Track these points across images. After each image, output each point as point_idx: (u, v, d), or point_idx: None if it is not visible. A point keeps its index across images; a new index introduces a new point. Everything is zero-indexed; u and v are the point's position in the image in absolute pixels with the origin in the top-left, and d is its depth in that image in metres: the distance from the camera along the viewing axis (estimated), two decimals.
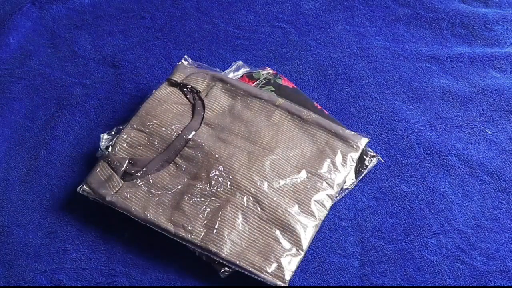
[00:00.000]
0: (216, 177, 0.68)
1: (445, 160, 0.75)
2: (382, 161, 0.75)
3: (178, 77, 0.77)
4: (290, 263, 0.63)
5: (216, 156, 0.69)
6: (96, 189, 0.68)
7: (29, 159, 0.75)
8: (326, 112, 0.77)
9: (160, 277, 0.66)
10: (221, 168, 0.68)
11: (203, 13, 0.92)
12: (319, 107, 0.77)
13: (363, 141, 0.73)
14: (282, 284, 0.62)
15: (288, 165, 0.70)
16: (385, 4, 0.93)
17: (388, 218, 0.70)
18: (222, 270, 0.63)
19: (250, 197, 0.67)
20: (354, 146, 0.72)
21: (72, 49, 0.87)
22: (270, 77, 0.80)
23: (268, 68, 0.82)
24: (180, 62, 0.80)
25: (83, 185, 0.68)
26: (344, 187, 0.71)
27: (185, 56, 0.81)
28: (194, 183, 0.68)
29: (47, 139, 0.77)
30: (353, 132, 0.73)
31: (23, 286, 0.65)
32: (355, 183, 0.72)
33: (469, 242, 0.68)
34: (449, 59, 0.86)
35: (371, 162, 0.73)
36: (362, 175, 0.72)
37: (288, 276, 0.62)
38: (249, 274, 0.62)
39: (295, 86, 0.80)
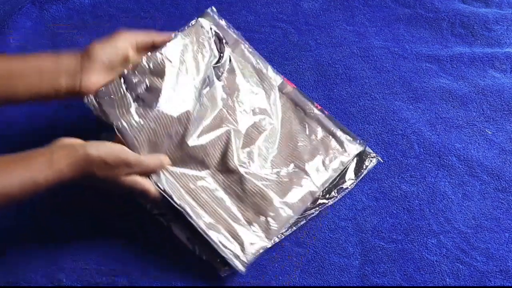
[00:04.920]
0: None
1: (445, 160, 0.75)
2: (382, 161, 0.75)
3: (207, 22, 0.73)
4: (253, 248, 0.63)
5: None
6: (103, 104, 0.63)
7: None
8: (326, 112, 0.77)
9: (160, 277, 0.66)
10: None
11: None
12: (319, 107, 0.78)
13: (357, 148, 0.73)
14: (240, 266, 0.62)
15: (278, 155, 0.71)
16: (385, 4, 0.93)
17: (388, 218, 0.70)
18: (222, 269, 0.63)
19: (235, 176, 0.67)
20: (348, 151, 0.72)
21: (72, 49, 0.87)
22: None
23: None
24: (208, 11, 0.76)
25: (90, 96, 0.62)
26: (344, 187, 0.71)
27: (213, 8, 0.77)
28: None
29: (47, 139, 0.77)
30: (350, 138, 0.74)
31: (23, 286, 0.65)
32: (355, 183, 0.72)
33: (469, 242, 0.68)
34: (449, 59, 0.86)
35: (371, 162, 0.73)
36: (362, 175, 0.72)
37: (247, 259, 0.63)
38: (214, 245, 0.62)
39: (295, 86, 0.80)
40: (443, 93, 0.82)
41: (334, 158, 0.71)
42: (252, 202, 0.66)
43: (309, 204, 0.68)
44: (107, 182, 0.58)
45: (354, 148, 0.73)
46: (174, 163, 0.66)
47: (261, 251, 0.64)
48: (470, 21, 0.91)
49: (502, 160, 0.76)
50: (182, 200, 0.64)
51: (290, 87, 0.75)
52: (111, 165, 0.57)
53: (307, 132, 0.73)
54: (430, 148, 0.76)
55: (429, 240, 0.68)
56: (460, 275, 0.66)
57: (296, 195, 0.68)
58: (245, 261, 0.63)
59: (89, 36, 0.89)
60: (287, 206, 0.67)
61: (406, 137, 0.77)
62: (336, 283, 0.65)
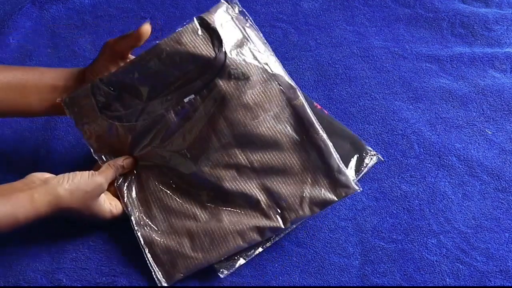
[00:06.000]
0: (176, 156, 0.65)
1: (445, 160, 0.75)
2: (382, 160, 0.75)
3: (211, 19, 0.63)
4: (184, 266, 0.63)
5: (192, 135, 0.63)
6: (71, 111, 0.64)
7: (29, 159, 0.75)
8: (326, 112, 0.77)
9: None
10: (186, 146, 0.64)
11: (203, 13, 0.92)
12: (319, 107, 0.78)
13: (349, 192, 0.63)
14: (163, 283, 0.62)
15: (255, 178, 0.63)
16: (385, 4, 0.93)
17: (388, 218, 0.70)
18: (221, 270, 0.63)
19: (198, 201, 0.65)
20: (338, 192, 0.62)
21: (72, 49, 0.87)
22: None
23: None
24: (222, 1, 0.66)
25: (66, 98, 0.64)
26: None
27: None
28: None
29: (47, 139, 0.77)
30: (344, 178, 0.63)
31: (23, 286, 0.65)
32: (355, 181, 0.72)
33: (469, 242, 0.68)
34: (449, 59, 0.86)
35: (371, 160, 0.73)
36: (362, 173, 0.72)
37: (176, 276, 0.63)
38: (147, 259, 0.63)
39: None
40: (443, 93, 0.82)
41: (318, 195, 0.62)
42: (204, 223, 0.64)
43: (264, 239, 0.63)
44: (81, 211, 0.60)
45: (347, 190, 0.63)
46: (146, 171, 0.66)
47: (192, 270, 0.63)
48: (470, 21, 0.91)
49: (502, 160, 0.76)
50: (138, 208, 0.65)
51: (301, 100, 0.63)
52: (89, 191, 0.60)
53: (299, 159, 0.63)
54: (430, 148, 0.76)
55: (429, 240, 0.68)
56: (460, 275, 0.66)
57: (254, 225, 0.62)
58: (175, 279, 0.62)
59: (89, 36, 0.89)
60: (239, 234, 0.62)
61: (406, 137, 0.77)
62: (336, 283, 0.65)
